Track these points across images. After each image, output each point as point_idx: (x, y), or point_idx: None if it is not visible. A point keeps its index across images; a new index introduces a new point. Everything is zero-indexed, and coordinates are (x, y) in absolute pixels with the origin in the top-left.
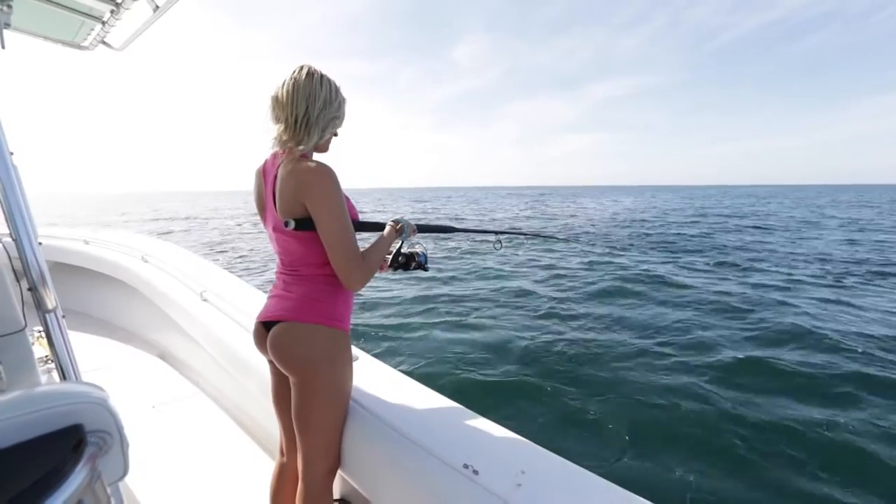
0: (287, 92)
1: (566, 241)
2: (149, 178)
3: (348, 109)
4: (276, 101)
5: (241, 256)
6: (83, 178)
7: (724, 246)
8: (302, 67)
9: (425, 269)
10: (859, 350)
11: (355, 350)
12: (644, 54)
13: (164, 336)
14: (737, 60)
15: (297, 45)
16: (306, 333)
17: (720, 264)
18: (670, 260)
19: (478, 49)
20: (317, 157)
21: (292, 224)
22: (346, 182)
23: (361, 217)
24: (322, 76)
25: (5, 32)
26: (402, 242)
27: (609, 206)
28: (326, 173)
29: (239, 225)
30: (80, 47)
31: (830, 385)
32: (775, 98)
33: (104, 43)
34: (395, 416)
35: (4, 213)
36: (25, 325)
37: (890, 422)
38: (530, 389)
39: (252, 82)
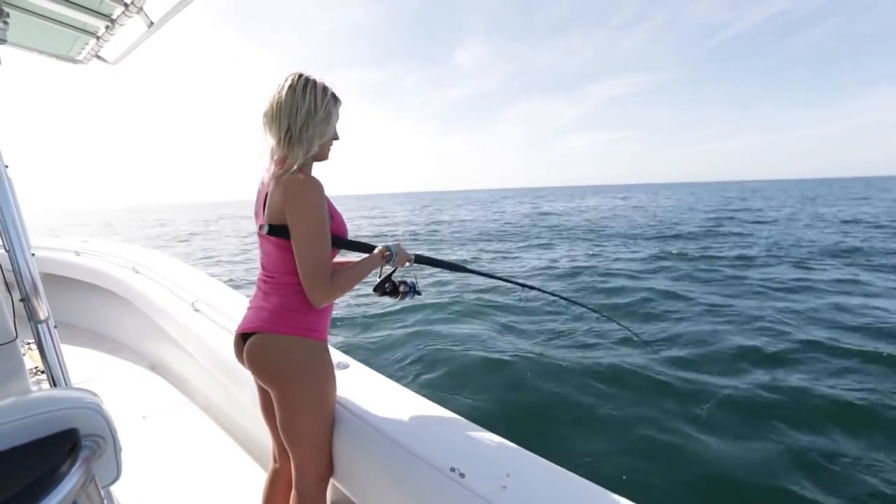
0: (271, 108)
1: (597, 312)
2: (162, 189)
3: (354, 116)
4: (265, 115)
5: None
6: (87, 193)
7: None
8: (287, 79)
9: (411, 298)
10: None
11: (346, 358)
12: (647, 52)
13: (155, 347)
14: (741, 55)
15: (306, 56)
16: (281, 345)
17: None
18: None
19: (480, 53)
20: (316, 166)
21: (266, 228)
22: (350, 189)
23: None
24: (306, 84)
25: (1, 48)
26: (394, 269)
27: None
28: (310, 186)
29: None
30: (74, 61)
31: None
32: (782, 91)
33: (98, 57)
34: (385, 423)
35: None
36: (16, 337)
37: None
38: (517, 393)
39: (262, 96)
